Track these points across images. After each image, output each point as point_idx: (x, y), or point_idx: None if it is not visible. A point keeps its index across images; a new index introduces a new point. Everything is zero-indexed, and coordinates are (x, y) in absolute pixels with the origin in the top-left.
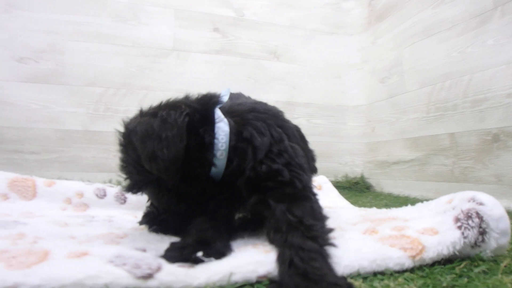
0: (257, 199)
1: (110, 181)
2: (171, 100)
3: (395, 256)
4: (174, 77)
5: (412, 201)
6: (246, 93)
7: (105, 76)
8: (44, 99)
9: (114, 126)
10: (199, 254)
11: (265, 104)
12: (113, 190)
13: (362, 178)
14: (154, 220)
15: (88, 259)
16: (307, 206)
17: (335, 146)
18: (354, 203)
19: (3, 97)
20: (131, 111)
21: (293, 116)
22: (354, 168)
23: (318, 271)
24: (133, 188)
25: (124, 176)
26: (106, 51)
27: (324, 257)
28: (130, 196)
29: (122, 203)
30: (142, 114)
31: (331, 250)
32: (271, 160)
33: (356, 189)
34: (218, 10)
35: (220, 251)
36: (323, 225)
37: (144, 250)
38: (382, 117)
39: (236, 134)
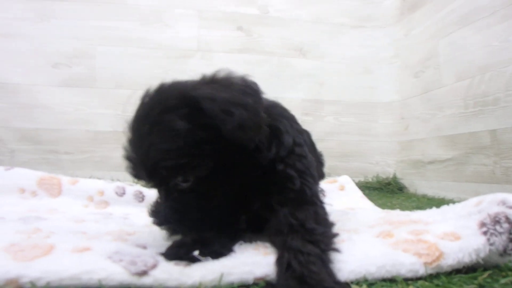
0: (262, 203)
1: (138, 180)
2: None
3: (408, 262)
4: (198, 77)
5: (447, 203)
6: (272, 92)
7: (133, 78)
8: (77, 102)
9: None
10: (196, 253)
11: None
12: (132, 189)
13: (394, 178)
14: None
15: (89, 254)
16: (311, 211)
17: (365, 145)
18: (383, 205)
19: (40, 101)
20: None
21: (321, 115)
22: (386, 168)
23: (315, 276)
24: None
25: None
26: (133, 54)
27: (324, 262)
28: (147, 194)
29: (140, 201)
30: (205, 81)
31: (334, 255)
32: (289, 164)
33: (387, 190)
34: (242, 8)
35: (217, 251)
36: (326, 230)
37: (145, 247)
38: (416, 114)
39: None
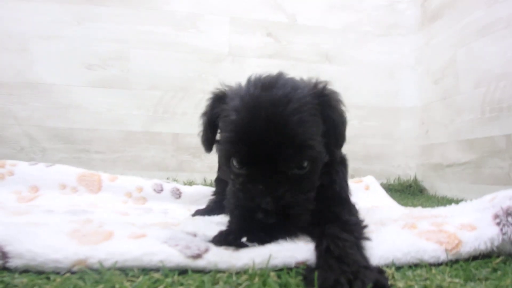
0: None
1: (167, 179)
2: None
3: (430, 249)
4: (229, 81)
5: None
6: None
7: (165, 80)
8: (110, 103)
9: (172, 128)
10: (243, 239)
11: None
12: (169, 186)
13: (415, 181)
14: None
15: (146, 240)
16: (345, 206)
17: (388, 148)
18: (405, 205)
19: (74, 101)
20: (188, 114)
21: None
22: (407, 170)
23: (352, 256)
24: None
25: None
26: (166, 57)
27: (359, 247)
28: (184, 191)
29: (177, 198)
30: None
31: (366, 243)
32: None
33: (408, 192)
34: (271, 16)
35: (262, 239)
36: (358, 221)
37: (195, 235)
38: (436, 119)
39: None
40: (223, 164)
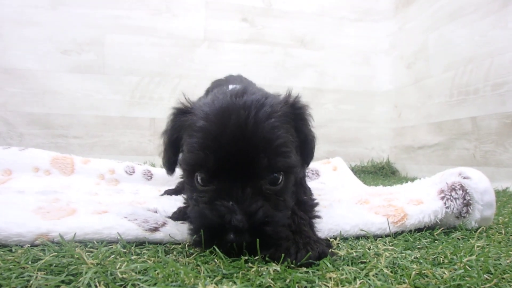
0: None
1: (145, 163)
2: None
3: (378, 222)
4: (205, 66)
5: None
6: (276, 80)
7: (141, 65)
8: (86, 88)
9: (149, 113)
10: None
11: None
12: (141, 168)
13: (388, 163)
14: None
15: (107, 215)
16: (301, 187)
17: (363, 132)
18: (375, 185)
19: (51, 87)
20: (165, 98)
21: (321, 102)
22: (381, 153)
23: (305, 232)
24: None
25: None
26: (142, 43)
27: (311, 225)
28: (156, 173)
29: (148, 180)
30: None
31: (317, 220)
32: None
33: (381, 174)
34: (247, 0)
35: None
36: (312, 202)
37: (156, 211)
38: (408, 102)
39: None
40: (186, 182)
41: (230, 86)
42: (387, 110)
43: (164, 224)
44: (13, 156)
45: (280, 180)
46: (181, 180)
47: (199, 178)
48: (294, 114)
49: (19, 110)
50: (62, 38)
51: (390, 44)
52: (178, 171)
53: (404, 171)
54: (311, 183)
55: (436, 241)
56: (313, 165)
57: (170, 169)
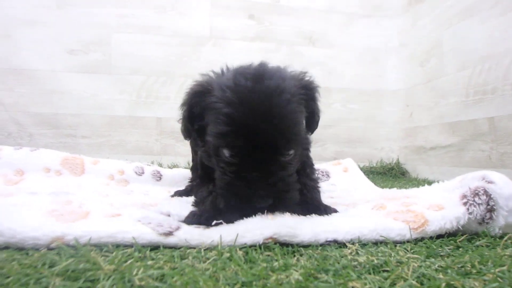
0: None
1: (152, 163)
2: None
3: (397, 228)
4: (211, 64)
5: None
6: None
7: (147, 64)
8: (93, 87)
9: (155, 112)
10: (213, 222)
11: None
12: (150, 168)
13: (397, 163)
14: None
15: (121, 219)
16: (306, 163)
17: (372, 132)
18: (385, 187)
19: (58, 87)
20: (171, 98)
21: (329, 102)
22: (390, 153)
23: (316, 198)
24: None
25: None
26: (148, 41)
27: (319, 192)
28: (165, 174)
29: (158, 180)
30: None
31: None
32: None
33: (390, 175)
34: None
35: (231, 219)
36: (316, 175)
37: (168, 215)
38: (420, 102)
39: None
40: (212, 153)
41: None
42: (398, 110)
43: (178, 228)
44: (24, 156)
45: (292, 152)
46: (190, 182)
47: (226, 152)
48: (306, 95)
49: (29, 110)
50: (68, 38)
51: (401, 42)
52: (188, 172)
53: (415, 172)
54: (321, 185)
55: (459, 249)
56: (323, 166)
57: (188, 136)
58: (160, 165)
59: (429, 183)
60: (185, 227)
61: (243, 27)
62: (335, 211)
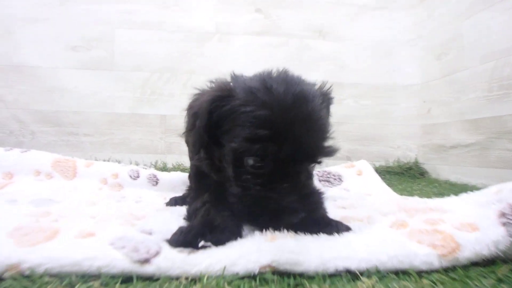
0: None
1: (156, 163)
2: None
3: (422, 253)
4: (216, 60)
5: (470, 190)
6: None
7: (150, 61)
8: (95, 85)
9: (159, 110)
10: (201, 243)
11: None
12: (146, 172)
13: (416, 163)
14: None
15: (92, 240)
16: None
17: (386, 129)
18: (403, 190)
19: (60, 84)
20: (176, 95)
21: (340, 97)
22: (407, 152)
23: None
24: None
25: None
26: (151, 37)
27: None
28: (162, 178)
29: (154, 185)
30: None
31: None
32: None
33: (409, 175)
34: None
35: (223, 239)
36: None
37: (151, 233)
38: (438, 97)
39: None
40: (232, 163)
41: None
42: (414, 106)
43: (157, 253)
44: (14, 158)
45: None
46: (188, 189)
47: (251, 161)
48: (325, 102)
49: (30, 108)
50: (71, 34)
51: (416, 34)
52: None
53: (435, 172)
54: (333, 189)
55: (502, 283)
56: (334, 168)
57: (200, 148)
58: (165, 164)
59: (452, 185)
60: (166, 251)
61: (250, 21)
62: (348, 228)
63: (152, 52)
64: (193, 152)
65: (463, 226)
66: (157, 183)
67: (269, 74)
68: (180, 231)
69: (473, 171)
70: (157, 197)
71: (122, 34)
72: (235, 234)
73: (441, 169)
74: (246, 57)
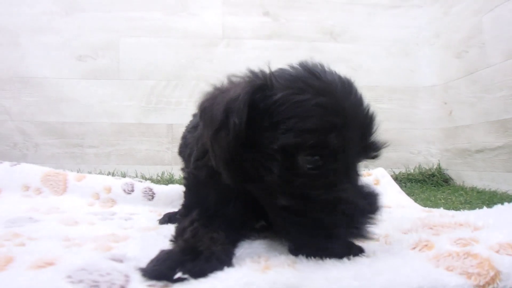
0: None
1: (162, 174)
2: None
3: (453, 284)
4: (224, 66)
5: (500, 197)
6: None
7: (157, 69)
8: (101, 94)
9: (166, 118)
10: (178, 274)
11: None
12: (141, 185)
13: (438, 169)
14: None
15: (48, 271)
16: None
17: (406, 133)
18: (426, 199)
19: (65, 94)
20: (183, 103)
21: None
22: (429, 157)
23: None
24: None
25: None
26: (157, 44)
27: None
28: (158, 192)
29: (149, 200)
30: None
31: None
32: None
33: (431, 183)
34: None
35: (204, 270)
36: None
37: (121, 261)
38: (460, 98)
39: None
40: (279, 166)
41: None
42: (434, 108)
43: None
44: (3, 172)
45: None
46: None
47: (308, 159)
48: None
49: (35, 120)
50: (77, 44)
51: (434, 32)
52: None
53: (460, 179)
54: None
55: None
56: None
57: (230, 158)
58: (171, 175)
59: (480, 192)
60: (134, 285)
61: (258, 24)
62: (361, 250)
63: (158, 60)
64: (223, 163)
65: (503, 247)
66: (153, 197)
67: (301, 64)
68: (157, 258)
69: (502, 177)
70: (150, 213)
71: (128, 42)
72: (223, 262)
73: (466, 175)
74: (255, 61)
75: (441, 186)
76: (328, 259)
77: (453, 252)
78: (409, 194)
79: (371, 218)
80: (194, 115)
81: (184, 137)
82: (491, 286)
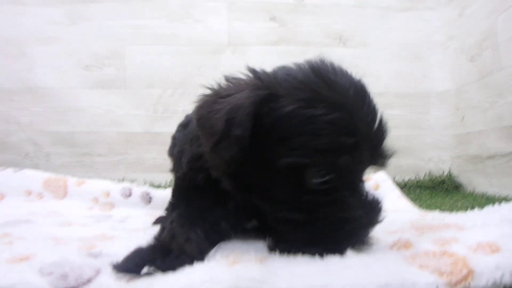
0: None
1: (171, 182)
2: None
3: (423, 282)
4: (231, 73)
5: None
6: None
7: (163, 77)
8: (108, 103)
9: (172, 127)
10: (145, 269)
11: None
12: (139, 190)
13: (449, 176)
14: None
15: (22, 265)
16: None
17: (417, 140)
18: (432, 205)
19: (73, 104)
20: (189, 111)
21: None
22: (440, 164)
23: None
24: None
25: None
26: (163, 52)
27: None
28: (155, 196)
29: (147, 203)
30: None
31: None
32: None
33: (441, 190)
34: None
35: (173, 265)
36: None
37: (96, 257)
38: (473, 103)
39: None
40: (286, 183)
41: None
42: (446, 114)
43: (88, 281)
44: (6, 179)
45: None
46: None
47: (316, 177)
48: None
49: (45, 130)
50: (83, 53)
51: (447, 35)
52: None
53: (471, 185)
54: None
55: None
56: None
57: (235, 166)
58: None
59: (490, 199)
60: (102, 279)
61: (264, 30)
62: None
63: (164, 68)
64: (224, 172)
65: (481, 246)
66: (150, 201)
67: (309, 64)
68: (129, 255)
69: None
70: (146, 216)
71: (133, 51)
72: (194, 259)
73: (477, 182)
74: (262, 68)
75: (451, 192)
76: (299, 256)
77: (430, 251)
78: (415, 200)
79: (372, 229)
80: (186, 116)
81: (173, 138)
82: (462, 283)
